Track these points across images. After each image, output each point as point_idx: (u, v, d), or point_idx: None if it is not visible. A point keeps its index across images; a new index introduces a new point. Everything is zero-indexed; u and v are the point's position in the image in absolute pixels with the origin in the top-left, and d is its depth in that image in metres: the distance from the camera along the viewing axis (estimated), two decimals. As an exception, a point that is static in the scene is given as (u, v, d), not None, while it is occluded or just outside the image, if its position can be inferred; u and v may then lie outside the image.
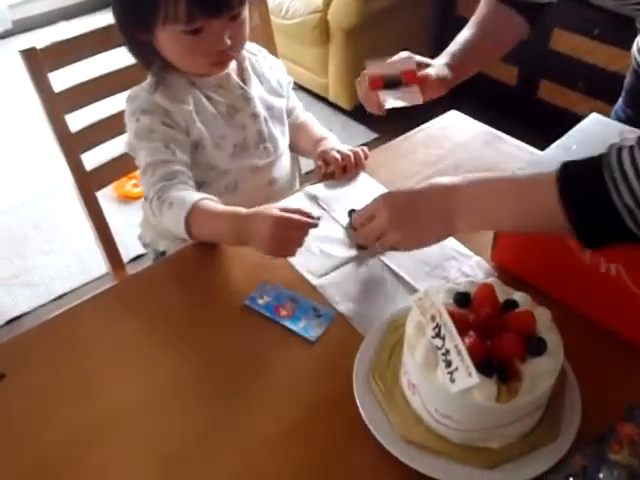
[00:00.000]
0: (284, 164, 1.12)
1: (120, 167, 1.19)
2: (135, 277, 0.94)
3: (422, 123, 1.19)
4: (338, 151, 1.06)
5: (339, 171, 1.05)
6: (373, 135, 2.54)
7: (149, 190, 0.91)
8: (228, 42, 0.91)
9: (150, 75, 0.98)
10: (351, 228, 0.93)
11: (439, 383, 0.60)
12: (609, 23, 2.16)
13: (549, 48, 2.35)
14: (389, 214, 0.77)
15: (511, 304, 0.67)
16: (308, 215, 0.82)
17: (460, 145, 1.14)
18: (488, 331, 0.63)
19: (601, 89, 2.28)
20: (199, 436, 0.68)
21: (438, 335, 0.61)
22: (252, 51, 1.09)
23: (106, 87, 1.12)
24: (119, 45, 1.10)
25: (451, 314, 0.62)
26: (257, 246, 0.81)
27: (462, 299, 0.67)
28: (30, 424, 0.70)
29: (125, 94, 1.12)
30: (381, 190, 1.02)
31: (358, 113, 2.63)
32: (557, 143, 0.84)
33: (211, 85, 1.00)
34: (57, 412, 0.71)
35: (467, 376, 0.58)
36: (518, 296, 0.68)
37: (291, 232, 0.80)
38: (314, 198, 1.02)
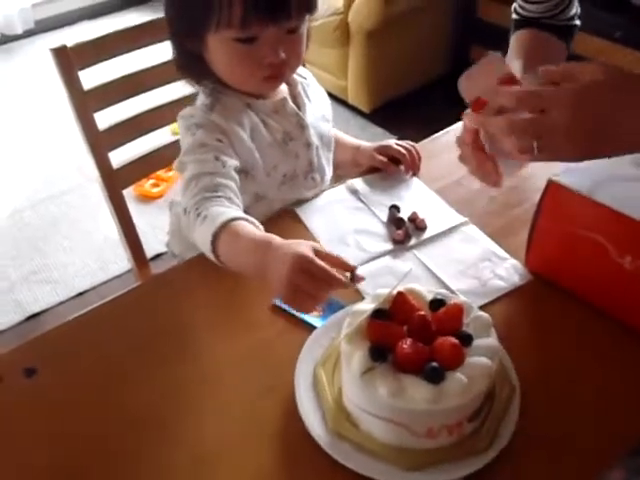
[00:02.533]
0: None
1: (146, 166, 1.20)
2: (160, 277, 0.95)
3: (441, 126, 1.18)
4: (398, 145, 1.06)
5: (409, 166, 1.05)
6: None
7: (188, 202, 0.81)
8: (282, 55, 0.85)
9: (204, 95, 0.93)
10: (391, 224, 0.93)
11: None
12: (631, 25, 2.14)
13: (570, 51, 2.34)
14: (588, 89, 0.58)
15: (464, 335, 0.64)
16: (345, 267, 0.67)
17: (487, 148, 1.13)
18: (416, 333, 0.63)
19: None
20: (231, 436, 0.68)
21: None
22: (302, 75, 1.03)
23: (134, 86, 1.12)
24: (149, 44, 1.13)
25: (404, 300, 0.64)
26: (272, 288, 0.68)
27: (434, 303, 0.67)
28: (62, 419, 0.71)
29: (155, 92, 1.14)
30: (424, 189, 1.02)
31: (377, 116, 2.63)
32: None
33: (267, 110, 0.95)
34: (88, 407, 0.72)
35: None
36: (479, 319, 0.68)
37: (309, 283, 0.64)
38: (355, 192, 1.02)
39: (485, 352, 0.63)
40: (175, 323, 0.82)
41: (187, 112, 0.92)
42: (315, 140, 1.00)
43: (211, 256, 0.76)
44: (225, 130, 0.89)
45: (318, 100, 1.04)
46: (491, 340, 0.64)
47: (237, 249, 0.74)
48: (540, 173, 1.06)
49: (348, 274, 0.67)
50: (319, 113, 1.03)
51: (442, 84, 2.76)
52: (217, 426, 0.69)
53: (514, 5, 1.03)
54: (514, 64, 0.94)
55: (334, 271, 0.65)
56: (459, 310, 0.65)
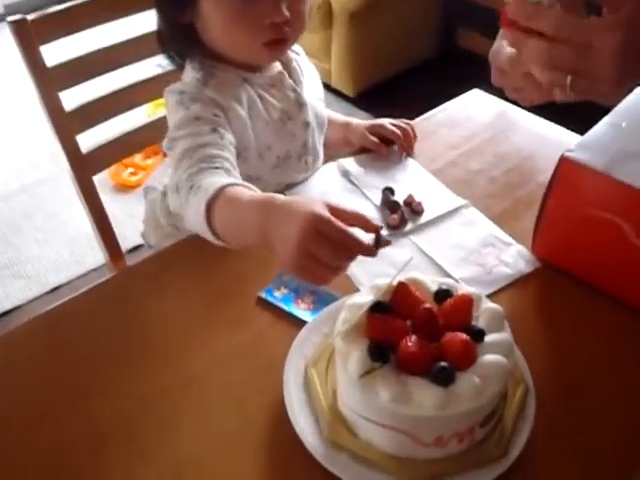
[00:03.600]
0: None
1: (119, 149, 1.11)
2: (135, 268, 0.86)
3: (428, 110, 1.11)
4: (392, 124, 0.98)
5: (403, 148, 0.98)
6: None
7: (181, 176, 0.71)
8: (286, 13, 0.76)
9: (193, 70, 0.84)
10: (385, 207, 0.86)
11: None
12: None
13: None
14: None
15: (476, 330, 0.57)
16: (368, 226, 0.57)
17: (484, 126, 1.06)
18: (421, 328, 0.56)
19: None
20: (214, 444, 0.61)
21: None
22: (296, 50, 0.95)
23: (104, 63, 1.03)
24: (118, 17, 1.04)
25: (406, 291, 0.58)
26: (278, 259, 0.57)
27: (440, 294, 0.60)
28: (19, 430, 0.63)
29: (125, 69, 1.06)
30: (420, 170, 0.95)
31: (362, 100, 2.56)
32: (605, 120, 0.76)
33: (264, 84, 0.87)
34: (48, 416, 0.64)
35: None
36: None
37: (325, 249, 0.53)
38: (346, 173, 0.95)
39: (499, 349, 0.55)
40: (149, 320, 0.74)
41: (177, 87, 0.83)
42: (312, 120, 0.93)
43: (206, 230, 0.65)
44: (222, 105, 0.80)
45: (311, 77, 0.97)
46: (505, 335, 0.57)
47: (234, 215, 0.63)
48: (541, 152, 1.00)
49: (371, 237, 0.56)
50: (314, 91, 0.95)
51: (429, 67, 2.70)
52: (199, 434, 0.62)
53: None
54: None
55: (356, 233, 0.54)
56: (468, 302, 0.58)
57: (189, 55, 0.85)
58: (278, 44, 0.81)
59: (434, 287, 0.61)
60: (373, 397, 0.53)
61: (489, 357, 0.54)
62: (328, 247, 0.53)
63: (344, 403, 0.59)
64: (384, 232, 0.83)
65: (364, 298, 0.59)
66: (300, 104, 0.90)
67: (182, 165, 0.73)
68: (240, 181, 0.67)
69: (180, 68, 0.88)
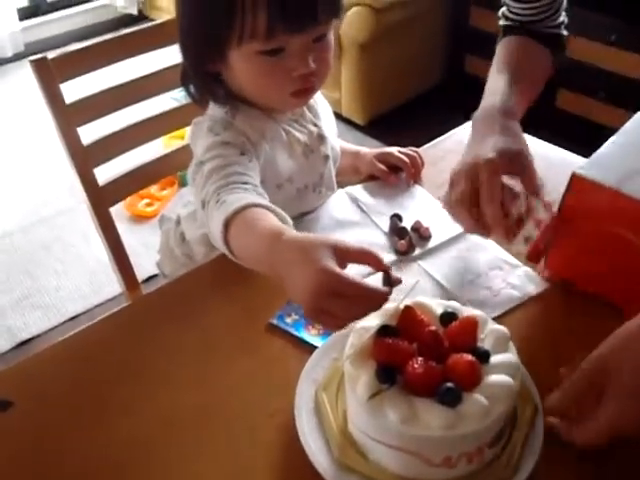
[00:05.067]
0: None
1: (135, 181, 1.14)
2: (150, 296, 0.89)
3: (438, 136, 1.13)
4: (400, 152, 1.00)
5: (411, 175, 1.00)
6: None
7: (208, 190, 0.72)
8: (312, 65, 0.78)
9: (217, 106, 0.86)
10: (393, 234, 0.88)
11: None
12: (626, 29, 2.11)
13: (566, 56, 2.31)
14: None
15: (481, 352, 0.58)
16: (378, 266, 0.59)
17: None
18: (427, 351, 0.57)
19: (622, 97, 2.23)
20: (227, 468, 0.62)
21: None
22: None
23: (121, 98, 1.07)
24: (134, 55, 1.08)
25: (412, 315, 0.58)
26: (292, 299, 0.59)
27: (445, 317, 0.61)
28: (41, 455, 0.64)
29: (140, 105, 1.09)
30: (427, 197, 0.97)
31: (372, 128, 2.60)
32: (613, 139, 0.79)
33: (287, 119, 0.89)
34: (69, 441, 0.65)
35: None
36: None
37: (340, 306, 0.54)
38: (355, 200, 0.97)
39: (505, 369, 0.57)
40: (163, 347, 0.76)
41: (207, 117, 0.86)
42: (330, 153, 0.95)
43: (223, 248, 0.67)
44: (250, 138, 0.82)
45: (327, 112, 0.99)
46: (510, 355, 0.58)
47: (246, 241, 0.64)
48: (547, 175, 1.01)
49: (379, 275, 0.58)
50: (329, 125, 0.98)
51: (437, 94, 2.73)
52: (211, 456, 0.63)
53: (502, 10, 0.99)
54: (498, 79, 0.90)
55: (369, 284, 0.55)
56: (473, 324, 0.59)
57: (213, 96, 0.86)
58: (305, 93, 0.83)
59: (439, 310, 0.62)
60: (382, 419, 0.54)
61: (495, 377, 0.56)
62: (341, 303, 0.54)
63: (354, 425, 0.60)
64: (392, 257, 0.85)
65: (371, 322, 0.60)
66: (321, 137, 0.93)
67: (210, 181, 0.74)
68: (265, 202, 0.68)
69: (197, 103, 0.89)
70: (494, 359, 0.57)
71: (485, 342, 0.59)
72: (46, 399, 0.70)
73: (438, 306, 0.63)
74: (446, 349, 0.57)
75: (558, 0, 0.94)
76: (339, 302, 0.54)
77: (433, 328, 0.58)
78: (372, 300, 0.56)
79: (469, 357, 0.56)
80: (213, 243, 0.73)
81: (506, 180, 0.77)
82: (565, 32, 0.98)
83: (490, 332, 0.60)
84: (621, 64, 2.17)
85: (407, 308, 0.61)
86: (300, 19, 0.75)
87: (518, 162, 0.77)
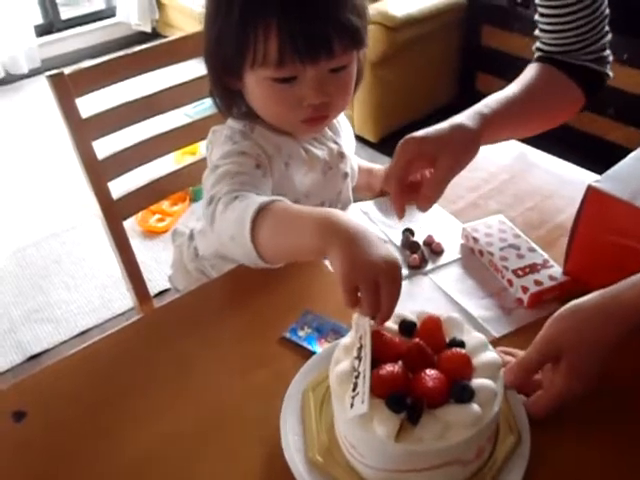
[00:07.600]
0: None
1: (147, 196, 1.15)
2: (162, 309, 0.89)
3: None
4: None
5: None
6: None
7: (220, 189, 0.73)
8: (326, 97, 0.76)
9: (235, 120, 0.86)
10: (405, 248, 0.89)
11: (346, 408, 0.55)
12: (638, 47, 2.11)
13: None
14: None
15: (457, 343, 0.59)
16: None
17: (502, 168, 1.08)
18: (415, 365, 0.56)
19: (633, 115, 2.23)
20: (234, 477, 0.62)
21: (358, 356, 0.56)
22: None
23: (136, 113, 1.09)
24: (147, 71, 1.10)
25: (382, 339, 0.57)
26: (338, 276, 0.57)
27: (406, 328, 0.61)
28: (54, 464, 0.64)
29: (155, 119, 1.10)
30: (439, 211, 0.96)
31: (384, 146, 2.60)
32: (631, 155, 0.80)
33: (307, 136, 0.89)
34: (83, 451, 0.65)
35: (360, 403, 0.53)
36: (473, 337, 0.61)
37: (376, 291, 0.56)
38: (366, 214, 0.97)
39: (485, 395, 0.56)
40: (175, 361, 0.75)
41: (225, 126, 0.86)
42: (349, 171, 0.95)
43: (246, 235, 0.65)
44: (266, 150, 0.82)
45: (347, 130, 0.99)
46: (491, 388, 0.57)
47: (287, 224, 0.65)
48: (561, 193, 1.01)
49: None
50: (350, 143, 0.98)
51: (449, 112, 2.72)
52: (226, 471, 0.63)
53: (536, 44, 0.98)
54: (495, 94, 0.91)
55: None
56: (436, 322, 0.60)
57: (234, 110, 0.86)
58: (317, 121, 0.82)
59: (394, 325, 0.61)
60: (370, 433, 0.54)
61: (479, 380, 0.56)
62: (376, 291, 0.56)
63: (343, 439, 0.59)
64: (404, 271, 0.85)
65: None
66: (341, 155, 0.92)
67: (224, 181, 0.74)
68: (283, 198, 0.69)
69: (222, 114, 0.89)
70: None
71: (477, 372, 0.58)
72: (58, 411, 0.70)
73: (393, 323, 0.61)
74: (431, 356, 0.57)
75: (592, 32, 0.91)
76: (376, 290, 0.56)
77: (417, 340, 0.58)
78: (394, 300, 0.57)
79: (458, 350, 0.57)
80: (216, 236, 0.73)
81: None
82: (597, 66, 0.95)
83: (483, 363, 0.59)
84: (632, 82, 2.18)
85: (375, 333, 0.58)
86: (312, 51, 0.73)
87: (435, 150, 0.82)
